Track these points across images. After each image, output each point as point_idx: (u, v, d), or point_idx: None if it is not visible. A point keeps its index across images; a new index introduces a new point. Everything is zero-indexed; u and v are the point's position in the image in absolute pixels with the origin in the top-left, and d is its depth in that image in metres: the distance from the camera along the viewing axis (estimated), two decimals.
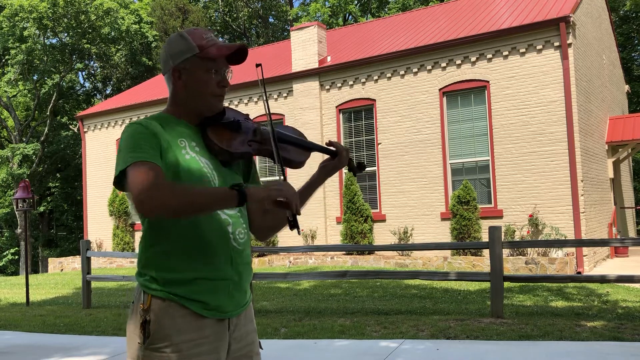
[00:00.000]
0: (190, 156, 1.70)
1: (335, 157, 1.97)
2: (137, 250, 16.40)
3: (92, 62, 31.58)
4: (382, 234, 13.10)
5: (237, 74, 16.92)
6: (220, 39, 1.95)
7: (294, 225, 1.64)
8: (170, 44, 1.77)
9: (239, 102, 15.56)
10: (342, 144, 13.76)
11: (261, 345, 1.88)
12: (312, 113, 14.24)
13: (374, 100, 13.54)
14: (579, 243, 7.60)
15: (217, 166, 1.76)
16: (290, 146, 1.92)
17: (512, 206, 11.68)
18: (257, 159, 14.99)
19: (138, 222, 16.82)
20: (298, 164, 1.91)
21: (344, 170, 13.67)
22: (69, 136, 28.86)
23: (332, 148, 1.97)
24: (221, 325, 1.70)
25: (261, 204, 1.59)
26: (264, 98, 1.87)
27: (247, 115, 1.92)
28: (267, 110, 1.84)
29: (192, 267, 1.66)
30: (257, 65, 1.83)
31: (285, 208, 1.60)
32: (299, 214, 1.61)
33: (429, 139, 12.72)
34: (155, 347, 1.62)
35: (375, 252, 12.50)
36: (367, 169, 2.31)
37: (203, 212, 1.61)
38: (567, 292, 8.25)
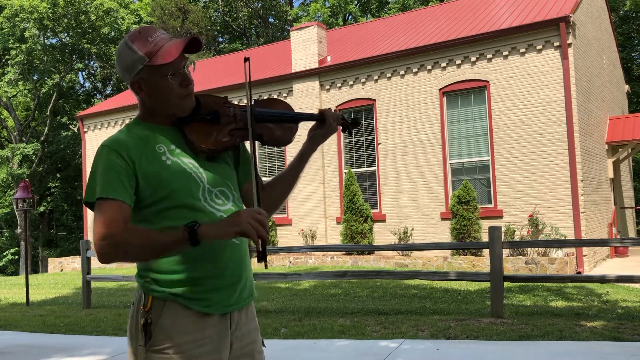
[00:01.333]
0: (172, 161, 1.67)
1: (324, 124, 1.91)
2: None
3: (92, 62, 31.58)
4: (382, 234, 13.10)
5: (234, 74, 16.92)
6: (162, 33, 1.62)
7: (261, 258, 1.53)
8: (120, 57, 1.70)
9: (239, 102, 15.56)
10: (342, 144, 13.82)
11: (264, 343, 1.86)
12: None
13: (374, 100, 13.54)
14: (578, 243, 7.60)
15: (202, 163, 1.72)
16: (273, 124, 1.83)
17: (512, 206, 11.68)
18: (255, 144, 14.99)
19: None
20: (286, 141, 1.85)
21: (342, 136, 13.63)
22: (69, 136, 28.86)
23: (317, 114, 1.90)
24: (223, 323, 1.69)
25: (221, 239, 1.56)
26: (246, 79, 1.74)
27: (225, 98, 1.83)
28: (248, 92, 1.72)
29: (192, 266, 1.65)
30: (245, 60, 1.73)
31: (250, 238, 1.53)
32: (267, 243, 1.53)
33: (429, 139, 12.72)
34: (157, 349, 1.62)
35: (375, 252, 12.51)
36: (360, 124, 2.23)
37: (159, 257, 1.61)
38: (567, 292, 8.25)
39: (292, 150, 14.36)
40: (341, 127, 1.98)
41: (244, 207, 1.84)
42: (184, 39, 1.66)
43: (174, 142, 1.71)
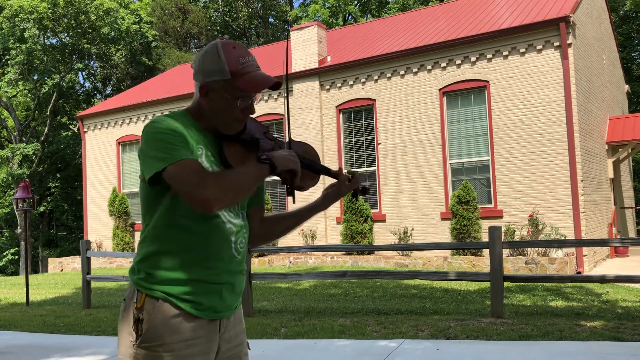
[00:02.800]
0: (205, 165, 1.70)
1: (343, 183, 1.95)
2: (137, 250, 16.39)
3: (92, 62, 31.58)
4: (382, 234, 13.10)
5: None
6: (253, 60, 1.74)
7: (290, 193, 1.78)
8: (205, 57, 1.72)
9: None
10: (342, 143, 13.82)
11: (249, 345, 1.91)
12: (312, 113, 14.24)
13: (374, 100, 13.54)
14: (578, 243, 7.61)
15: None
16: (304, 170, 1.88)
17: (512, 206, 11.68)
18: None
19: (138, 222, 16.83)
20: (306, 189, 1.91)
21: (342, 136, 13.81)
22: (69, 136, 28.86)
23: (334, 174, 1.95)
24: (212, 326, 1.72)
25: (284, 169, 1.71)
26: (287, 121, 1.87)
27: (267, 129, 1.89)
28: (287, 131, 1.83)
29: (192, 269, 1.67)
30: (279, 85, 1.81)
31: (294, 176, 1.73)
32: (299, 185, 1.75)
33: (429, 139, 12.72)
34: (148, 346, 1.64)
35: (375, 252, 12.50)
36: (368, 191, 2.26)
37: (247, 193, 1.67)
38: (567, 292, 8.25)
39: None
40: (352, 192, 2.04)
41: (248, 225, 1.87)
42: (271, 78, 1.72)
43: (211, 150, 1.75)
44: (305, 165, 1.86)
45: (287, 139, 1.86)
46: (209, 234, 1.68)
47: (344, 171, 2.00)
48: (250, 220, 1.90)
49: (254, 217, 1.92)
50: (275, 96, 14.97)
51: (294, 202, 1.77)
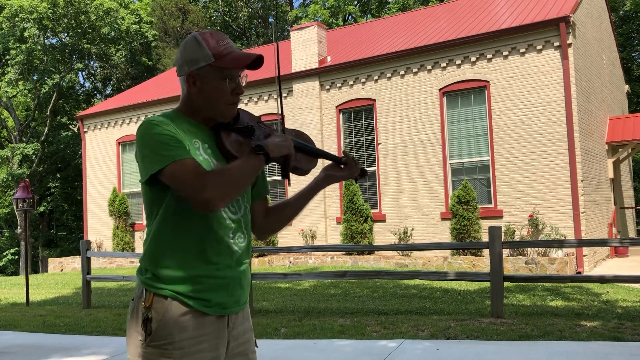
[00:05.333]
0: (204, 157, 1.72)
1: (345, 167, 1.98)
2: (137, 250, 16.40)
3: (92, 62, 31.58)
4: (382, 234, 13.10)
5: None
6: (231, 43, 1.77)
7: (285, 175, 1.83)
8: (185, 49, 1.76)
9: (248, 101, 15.53)
10: (342, 144, 13.82)
11: (257, 343, 1.91)
12: (312, 113, 14.24)
13: (374, 100, 13.54)
14: (578, 243, 7.59)
15: None
16: (300, 154, 1.91)
17: (512, 206, 11.68)
18: None
19: (138, 222, 16.83)
20: (305, 172, 1.93)
21: (342, 136, 13.82)
22: (69, 136, 28.85)
23: (340, 157, 1.98)
24: (221, 322, 1.74)
25: (279, 154, 1.74)
26: (279, 105, 1.89)
27: (259, 118, 1.93)
28: (280, 113, 1.86)
29: (196, 266, 1.69)
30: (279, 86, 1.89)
31: (288, 160, 1.77)
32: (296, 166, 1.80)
33: (429, 139, 12.72)
34: (157, 345, 1.65)
35: (375, 252, 12.50)
36: (367, 170, 2.31)
37: (246, 187, 1.68)
38: (567, 292, 8.25)
39: None
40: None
41: (250, 219, 1.88)
42: (252, 53, 1.75)
43: (207, 142, 1.77)
44: (299, 149, 1.90)
45: (280, 125, 1.88)
46: (209, 230, 1.70)
47: (343, 157, 2.02)
48: (255, 214, 1.93)
49: (259, 209, 1.94)
50: (275, 96, 14.97)
51: (289, 184, 1.83)
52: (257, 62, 1.76)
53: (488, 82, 12.08)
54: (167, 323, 1.65)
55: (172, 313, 1.66)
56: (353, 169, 1.98)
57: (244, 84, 1.80)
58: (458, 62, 12.45)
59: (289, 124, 14.20)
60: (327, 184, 1.98)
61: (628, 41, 27.04)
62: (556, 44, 11.32)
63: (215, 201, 1.58)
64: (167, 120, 1.69)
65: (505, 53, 11.88)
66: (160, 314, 1.66)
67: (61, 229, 31.26)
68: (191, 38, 1.77)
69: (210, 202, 1.57)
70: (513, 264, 10.75)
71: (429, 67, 12.81)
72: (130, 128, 17.46)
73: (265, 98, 15.11)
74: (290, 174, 1.86)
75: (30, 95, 29.19)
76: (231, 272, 1.74)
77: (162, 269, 1.69)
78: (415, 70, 12.98)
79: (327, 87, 14.24)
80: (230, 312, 1.75)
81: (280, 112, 1.89)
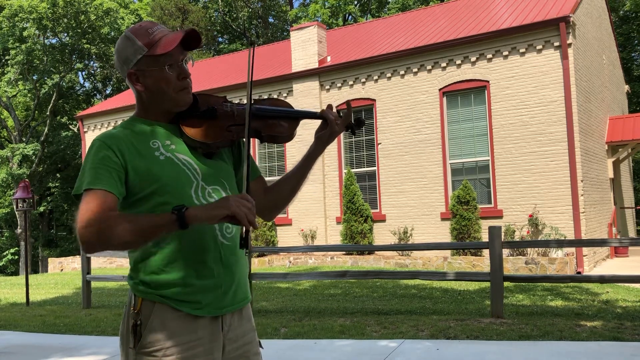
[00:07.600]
0: (165, 156, 1.66)
1: (327, 122, 1.85)
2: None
3: (92, 62, 31.58)
4: (382, 234, 13.10)
5: (234, 74, 16.91)
6: (163, 28, 1.72)
7: (243, 244, 1.55)
8: (119, 49, 1.70)
9: (239, 101, 15.54)
10: (342, 144, 13.82)
11: (261, 344, 1.84)
12: None
13: (374, 100, 13.54)
14: (578, 243, 7.61)
15: (199, 159, 1.72)
16: (273, 121, 1.81)
17: (512, 206, 11.68)
18: (255, 144, 14.99)
19: None
20: (285, 138, 1.82)
21: (342, 136, 13.62)
22: (69, 136, 28.86)
23: (317, 113, 1.86)
24: (215, 325, 1.67)
25: (210, 222, 1.51)
26: (249, 73, 1.70)
27: (224, 97, 1.83)
28: (249, 86, 1.70)
29: (181, 267, 1.63)
30: (251, 44, 1.72)
31: (236, 224, 1.50)
32: (255, 228, 1.51)
33: (429, 139, 12.72)
34: (147, 351, 1.60)
35: (375, 252, 12.50)
36: (364, 124, 2.16)
37: (146, 242, 1.55)
38: (566, 292, 8.25)
39: (292, 150, 14.36)
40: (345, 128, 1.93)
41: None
42: (180, 31, 1.67)
43: (169, 138, 1.70)
44: (268, 116, 1.80)
45: (247, 103, 1.70)
46: (190, 229, 1.57)
47: (333, 109, 1.88)
48: (254, 194, 1.79)
49: (257, 190, 1.85)
50: (275, 96, 14.97)
51: (246, 254, 1.59)
52: (189, 40, 1.67)
53: (488, 82, 12.08)
54: (156, 328, 1.60)
55: (160, 318, 1.61)
56: (335, 124, 1.83)
57: (191, 67, 1.72)
58: (458, 62, 12.45)
59: None
60: (320, 147, 1.86)
61: (628, 41, 27.04)
62: (556, 44, 11.32)
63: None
64: (112, 140, 1.62)
65: (505, 53, 11.88)
66: (148, 319, 1.61)
67: (61, 229, 31.25)
68: (121, 37, 1.71)
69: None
70: (513, 264, 10.75)
71: (429, 67, 12.81)
72: None
73: (256, 98, 15.11)
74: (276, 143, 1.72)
75: (30, 95, 29.20)
76: (221, 267, 1.66)
77: (148, 274, 1.63)
78: (415, 70, 12.98)
79: (327, 87, 14.24)
80: (225, 311, 1.68)
81: (249, 83, 1.71)
